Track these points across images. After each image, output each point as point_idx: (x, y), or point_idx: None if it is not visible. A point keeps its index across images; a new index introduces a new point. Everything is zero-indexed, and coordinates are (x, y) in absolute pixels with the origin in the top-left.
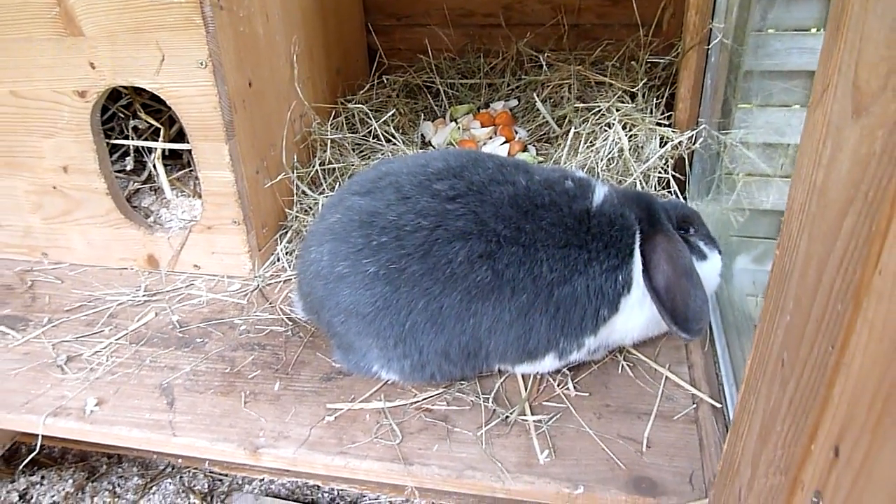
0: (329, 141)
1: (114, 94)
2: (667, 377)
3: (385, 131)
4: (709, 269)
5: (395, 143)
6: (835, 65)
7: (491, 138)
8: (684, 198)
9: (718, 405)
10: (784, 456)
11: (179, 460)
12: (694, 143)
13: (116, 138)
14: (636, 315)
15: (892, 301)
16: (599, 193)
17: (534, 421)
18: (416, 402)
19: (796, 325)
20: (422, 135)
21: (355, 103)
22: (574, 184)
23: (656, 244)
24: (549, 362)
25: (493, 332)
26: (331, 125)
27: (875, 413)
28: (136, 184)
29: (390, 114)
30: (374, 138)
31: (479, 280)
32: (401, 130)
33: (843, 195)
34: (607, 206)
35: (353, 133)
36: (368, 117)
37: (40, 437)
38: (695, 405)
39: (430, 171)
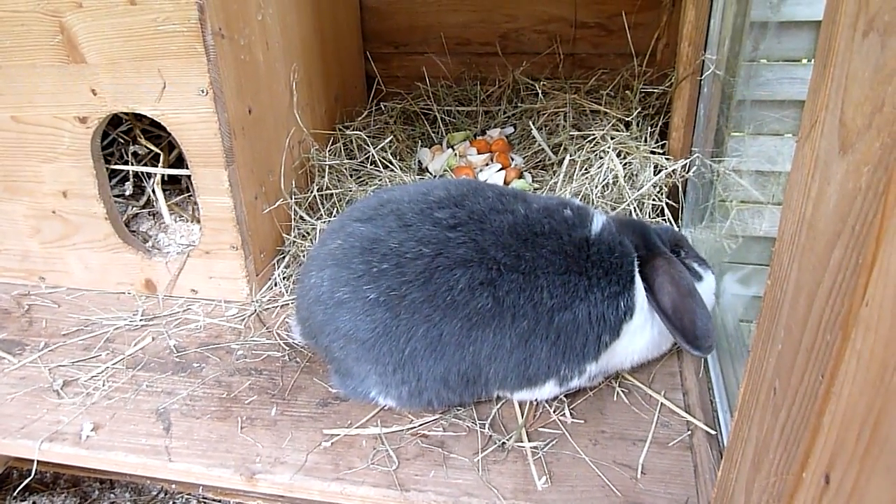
0: (327, 167)
1: (114, 120)
2: (662, 403)
3: (382, 157)
4: (705, 289)
5: (392, 170)
6: (822, 102)
7: (487, 165)
8: (678, 225)
9: (713, 431)
10: (777, 483)
11: (173, 486)
12: (687, 172)
13: (116, 163)
14: (637, 340)
15: (879, 332)
16: (598, 222)
17: (531, 447)
18: (412, 428)
19: (787, 354)
20: (419, 161)
21: (353, 130)
22: (573, 212)
23: (658, 267)
24: (548, 389)
25: (494, 359)
26: (329, 151)
27: (864, 442)
28: (134, 208)
29: (388, 140)
30: (371, 164)
31: (479, 307)
32: (398, 157)
33: (831, 228)
34: (606, 234)
35: (350, 159)
36: (366, 143)
37: (36, 463)
38: (689, 431)
39: (431, 199)
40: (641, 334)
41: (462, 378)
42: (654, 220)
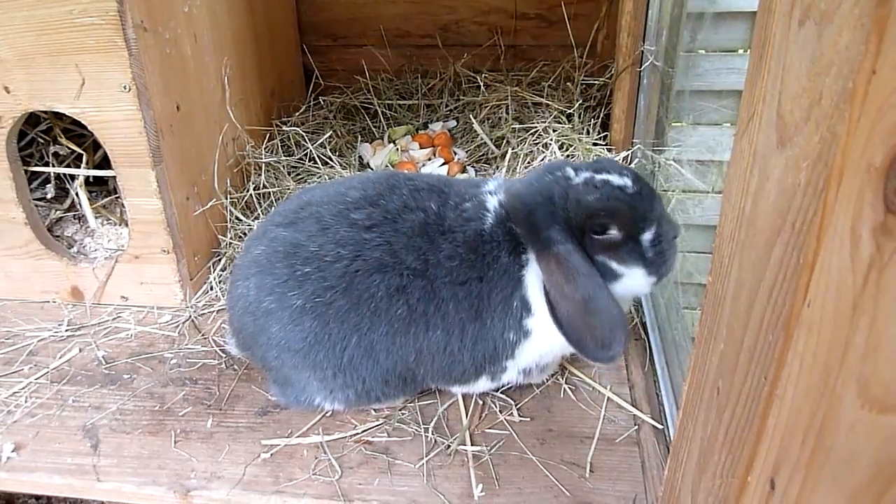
0: (263, 165)
1: (32, 119)
2: (608, 399)
3: (322, 154)
4: (623, 288)
5: (332, 166)
6: (759, 94)
7: (430, 159)
8: None
9: (660, 426)
10: (722, 486)
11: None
12: (629, 163)
13: (36, 165)
14: (552, 332)
15: (822, 334)
16: (492, 210)
17: (474, 451)
18: (356, 435)
19: (730, 353)
20: (360, 157)
21: (291, 125)
22: (472, 203)
23: (545, 271)
24: (482, 384)
25: (420, 363)
26: (265, 148)
27: (808, 447)
28: (58, 212)
29: (327, 136)
30: (310, 161)
31: (398, 314)
32: (338, 153)
33: (771, 224)
34: (498, 227)
35: (288, 156)
36: (304, 140)
37: None
38: (636, 426)
39: (348, 199)
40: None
41: (400, 379)
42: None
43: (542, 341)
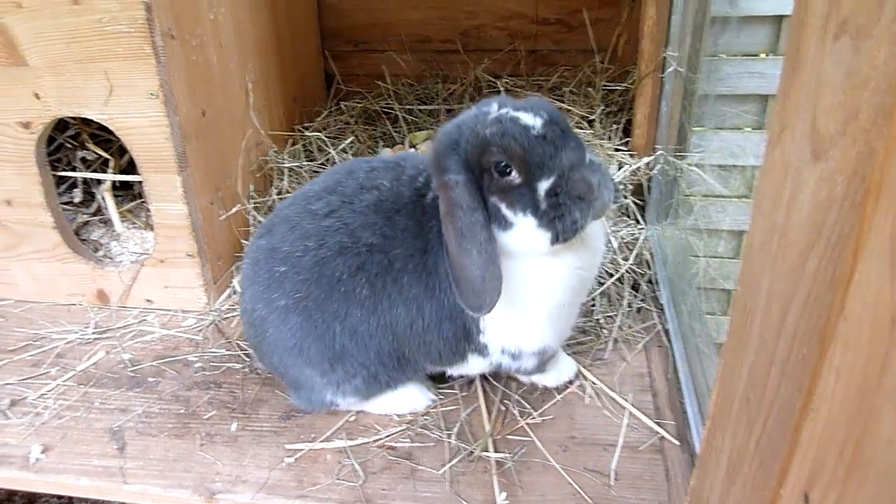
0: (286, 169)
1: (61, 124)
2: (631, 405)
3: (343, 158)
4: (516, 241)
5: None
6: (792, 106)
7: None
8: (644, 222)
9: (684, 435)
10: (753, 498)
11: None
12: (652, 169)
13: (64, 169)
14: (511, 302)
15: (860, 348)
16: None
17: (496, 458)
18: (379, 440)
19: (761, 364)
20: None
21: (312, 130)
22: (425, 175)
23: (440, 202)
24: (476, 364)
25: (400, 343)
26: (288, 153)
27: (845, 462)
28: (84, 216)
29: (348, 141)
30: (332, 165)
31: (363, 294)
32: (359, 157)
33: (805, 237)
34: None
35: (310, 161)
36: (326, 144)
37: None
38: (660, 435)
39: (308, 193)
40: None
41: (394, 359)
42: (618, 217)
43: (504, 313)
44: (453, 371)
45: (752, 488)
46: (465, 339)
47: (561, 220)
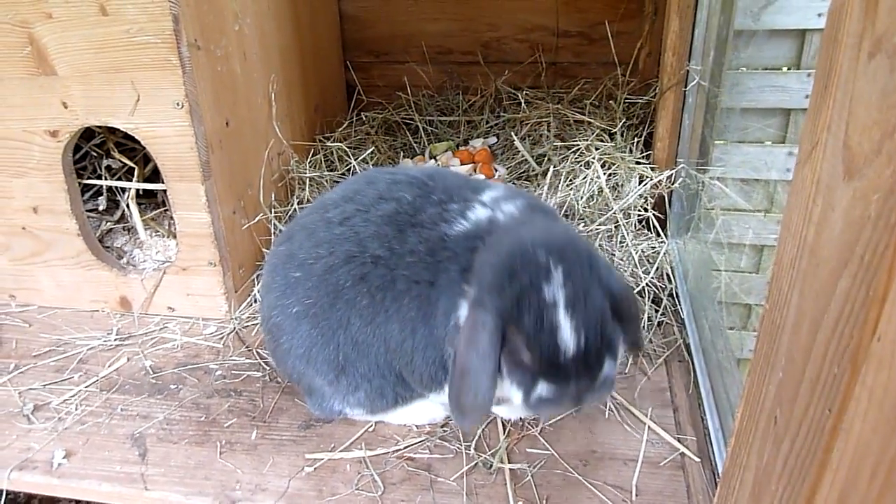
0: (307, 179)
1: (87, 133)
2: (652, 422)
3: (364, 169)
4: (502, 391)
5: None
6: (823, 123)
7: (472, 175)
8: (665, 236)
9: (705, 450)
10: None
11: None
12: (673, 182)
13: (89, 177)
14: None
15: (893, 369)
16: (470, 221)
17: (511, 469)
18: (398, 451)
19: (789, 383)
20: None
21: (334, 140)
22: (458, 206)
23: (466, 318)
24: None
25: (393, 359)
26: (309, 163)
27: (878, 484)
28: (108, 223)
29: (369, 151)
30: (352, 175)
31: (363, 304)
32: (380, 167)
33: (837, 256)
34: (463, 239)
35: (331, 171)
36: (347, 154)
37: (4, 493)
38: (681, 451)
39: (327, 201)
40: None
41: (395, 374)
42: (639, 231)
43: None
44: (432, 398)
45: None
46: (443, 371)
47: (542, 413)
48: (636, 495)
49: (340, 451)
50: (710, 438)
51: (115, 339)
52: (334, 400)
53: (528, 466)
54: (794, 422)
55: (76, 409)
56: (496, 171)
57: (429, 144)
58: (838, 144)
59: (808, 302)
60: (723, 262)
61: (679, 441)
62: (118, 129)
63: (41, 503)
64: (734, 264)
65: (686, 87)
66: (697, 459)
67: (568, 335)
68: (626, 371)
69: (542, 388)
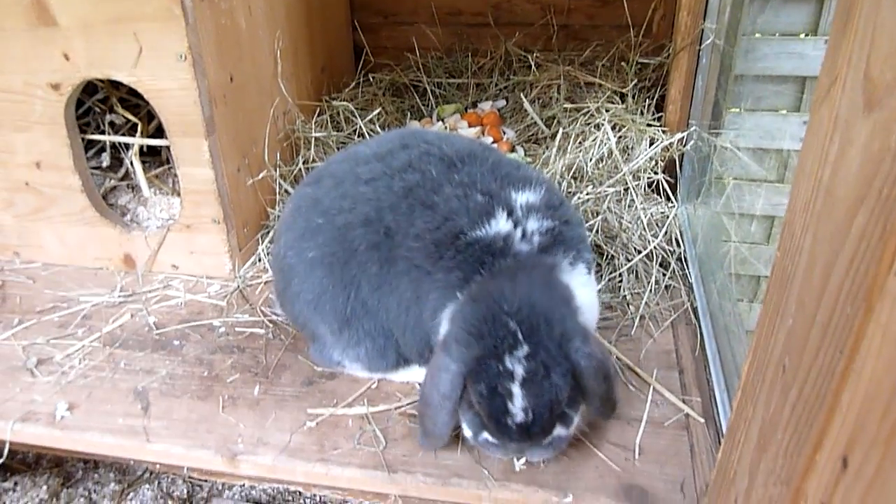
0: (313, 139)
1: (90, 88)
2: (657, 383)
3: (371, 130)
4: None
5: None
6: (844, 57)
7: (479, 138)
8: (676, 199)
9: (710, 411)
10: (785, 466)
11: (157, 466)
12: (685, 146)
13: (92, 133)
14: None
15: None
16: (493, 225)
17: None
18: (400, 407)
19: (799, 329)
20: None
21: (340, 101)
22: (485, 199)
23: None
24: None
25: (392, 328)
26: (315, 123)
27: (889, 423)
28: (112, 181)
29: (376, 112)
30: (359, 137)
31: (373, 271)
32: (386, 129)
33: (854, 193)
34: (476, 242)
35: (337, 131)
36: (354, 115)
37: (7, 444)
38: (685, 412)
39: (359, 154)
40: None
41: (395, 339)
42: (648, 194)
43: None
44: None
45: (785, 456)
46: (428, 349)
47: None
48: (639, 454)
49: (343, 407)
50: (714, 400)
51: (119, 296)
52: (334, 350)
53: None
54: (802, 368)
55: (79, 364)
56: (504, 133)
57: (437, 107)
58: (859, 77)
59: (822, 244)
60: (733, 231)
61: (684, 402)
62: (121, 84)
63: (49, 463)
64: (744, 234)
65: (700, 46)
66: (702, 420)
67: (518, 404)
68: (633, 333)
69: (488, 436)
